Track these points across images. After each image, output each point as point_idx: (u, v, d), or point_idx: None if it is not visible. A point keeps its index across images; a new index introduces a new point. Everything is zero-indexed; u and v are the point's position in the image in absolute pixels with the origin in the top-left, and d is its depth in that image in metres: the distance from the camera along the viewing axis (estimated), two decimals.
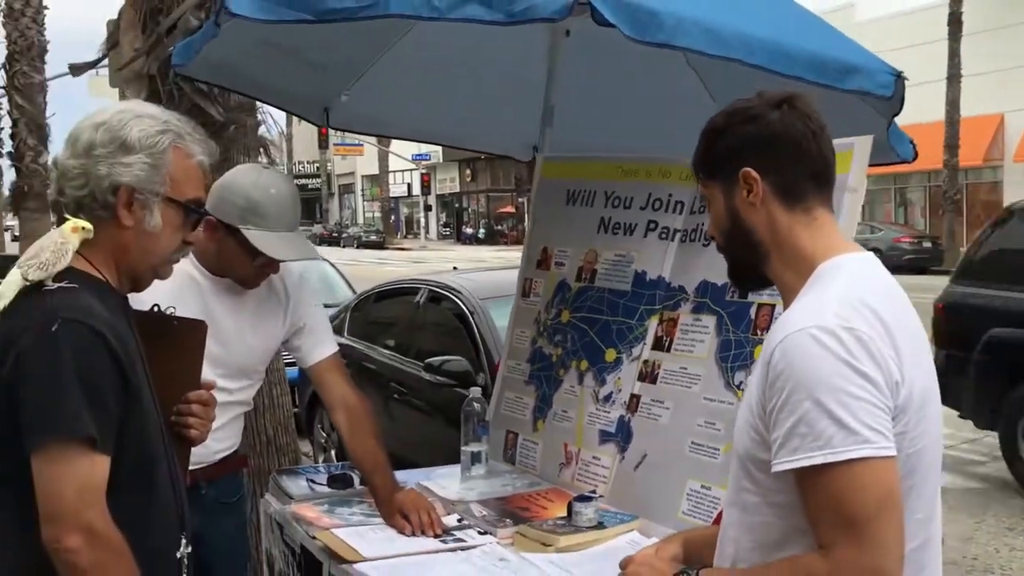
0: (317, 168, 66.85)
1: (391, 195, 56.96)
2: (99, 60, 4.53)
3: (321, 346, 2.75)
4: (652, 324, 2.70)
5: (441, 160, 50.44)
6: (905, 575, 1.51)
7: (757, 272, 1.72)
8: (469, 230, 51.09)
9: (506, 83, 3.48)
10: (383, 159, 52.50)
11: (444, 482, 2.93)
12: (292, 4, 2.35)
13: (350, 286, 10.46)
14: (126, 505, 1.74)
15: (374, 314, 7.41)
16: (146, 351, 1.88)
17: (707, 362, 2.54)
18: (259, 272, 2.61)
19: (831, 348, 1.48)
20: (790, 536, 1.60)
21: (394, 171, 56.72)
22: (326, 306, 8.82)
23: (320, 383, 2.77)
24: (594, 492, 2.62)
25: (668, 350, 2.64)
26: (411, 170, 56.32)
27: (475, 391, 3.04)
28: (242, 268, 2.59)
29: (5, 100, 16.70)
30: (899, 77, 2.48)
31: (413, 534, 2.49)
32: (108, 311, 1.77)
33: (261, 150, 4.29)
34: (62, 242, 1.77)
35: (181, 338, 2.14)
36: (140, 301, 1.98)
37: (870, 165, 3.02)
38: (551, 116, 3.22)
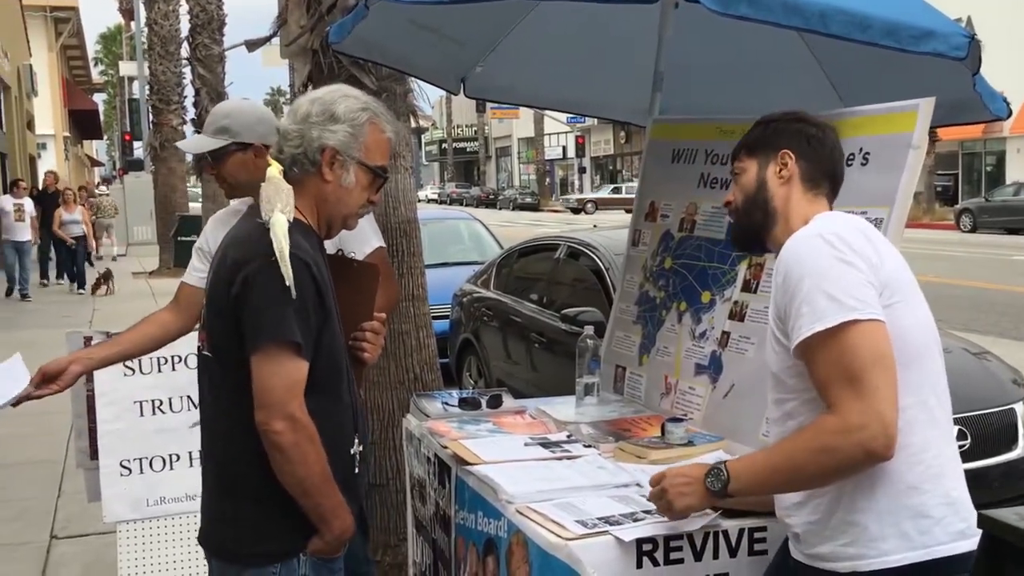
0: (475, 132, 68.11)
1: (546, 158, 57.50)
2: (270, 36, 5.08)
3: (367, 244, 3.02)
4: (742, 268, 2.99)
5: (596, 123, 50.56)
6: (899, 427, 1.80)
7: (761, 235, 2.11)
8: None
9: (622, 52, 3.79)
10: (539, 122, 52.96)
11: (561, 408, 3.33)
12: None
13: (500, 245, 10.92)
14: (318, 403, 2.14)
15: (517, 270, 7.79)
16: (333, 287, 2.28)
17: None
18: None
19: (819, 247, 1.87)
20: None
21: (549, 134, 57.19)
22: (477, 264, 9.38)
23: None
24: (685, 416, 2.97)
25: (755, 291, 2.92)
26: (566, 133, 56.70)
27: (588, 330, 3.42)
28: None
29: (188, 71, 18.11)
30: (972, 39, 2.65)
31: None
32: (311, 247, 2.18)
33: (411, 115, 4.74)
34: (289, 189, 2.15)
35: (359, 277, 2.60)
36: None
37: (968, 123, 3.24)
38: (661, 82, 3.51)
